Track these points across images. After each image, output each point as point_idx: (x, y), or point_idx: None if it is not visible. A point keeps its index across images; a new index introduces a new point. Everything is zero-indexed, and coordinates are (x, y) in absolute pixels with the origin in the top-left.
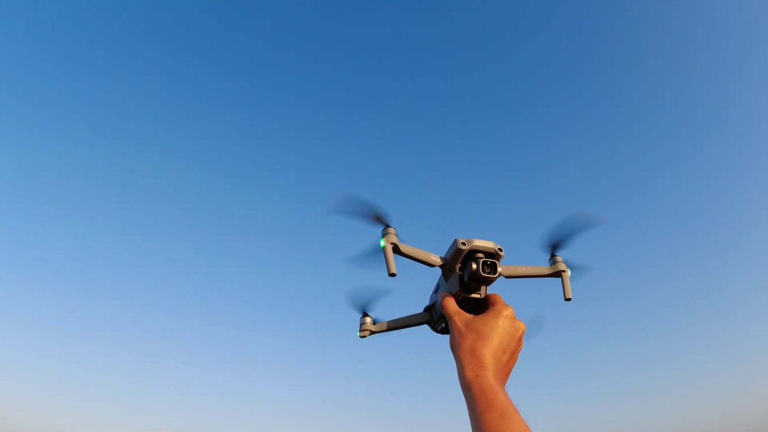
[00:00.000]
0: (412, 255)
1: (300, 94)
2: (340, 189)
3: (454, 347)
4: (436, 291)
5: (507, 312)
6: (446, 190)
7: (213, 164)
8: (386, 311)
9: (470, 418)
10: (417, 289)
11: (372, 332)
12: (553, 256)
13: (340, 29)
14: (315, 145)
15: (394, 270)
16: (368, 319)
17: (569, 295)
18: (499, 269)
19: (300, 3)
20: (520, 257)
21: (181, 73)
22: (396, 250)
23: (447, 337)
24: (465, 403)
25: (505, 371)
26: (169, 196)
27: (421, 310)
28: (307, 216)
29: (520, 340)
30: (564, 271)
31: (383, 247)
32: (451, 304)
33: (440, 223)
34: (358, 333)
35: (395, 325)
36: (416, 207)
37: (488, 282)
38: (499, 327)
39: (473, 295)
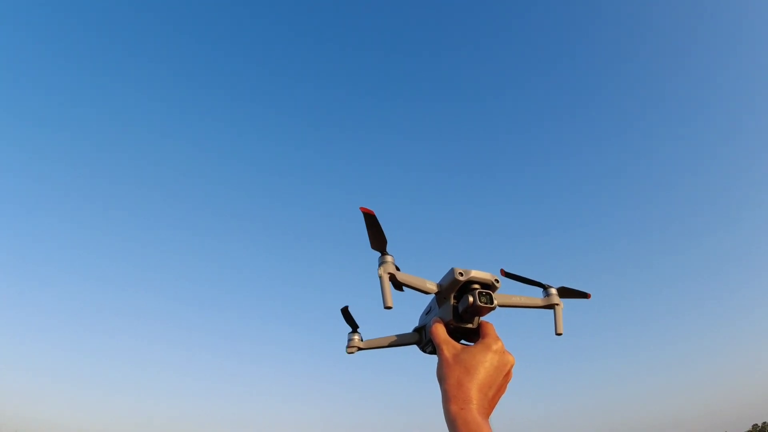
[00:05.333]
0: (409, 283)
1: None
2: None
3: (441, 378)
4: (427, 313)
5: (496, 346)
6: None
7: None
8: (375, 325)
9: None
10: (409, 306)
11: (360, 349)
12: (547, 287)
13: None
14: (324, 158)
15: (390, 303)
16: (356, 336)
17: (560, 330)
18: (495, 301)
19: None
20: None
21: (192, 78)
22: (393, 279)
23: (435, 357)
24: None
25: (490, 405)
26: (182, 203)
27: (410, 329)
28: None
29: (508, 373)
30: (557, 304)
31: (380, 277)
32: (440, 332)
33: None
34: (346, 349)
35: (384, 344)
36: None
37: (484, 313)
38: (486, 362)
39: (466, 325)
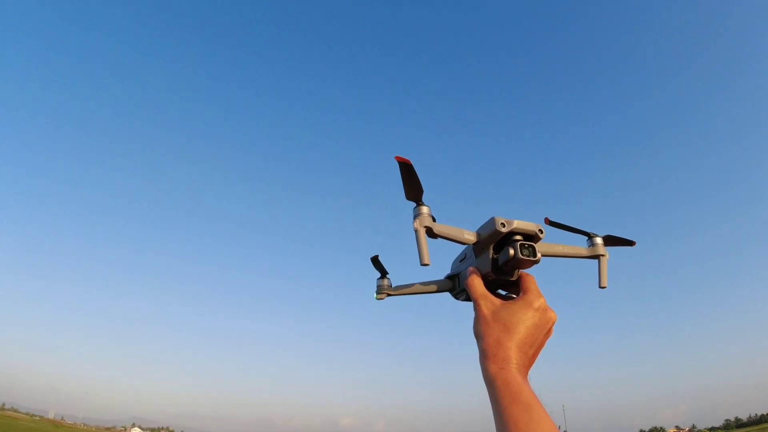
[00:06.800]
0: (446, 235)
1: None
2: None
3: (478, 336)
4: (461, 260)
5: (538, 303)
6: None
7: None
8: (403, 272)
9: (494, 412)
10: (440, 252)
11: (389, 295)
12: (592, 236)
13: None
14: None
15: (427, 260)
16: (385, 282)
17: (604, 283)
18: (539, 254)
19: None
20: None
21: (188, 81)
22: (429, 232)
23: (469, 304)
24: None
25: (529, 363)
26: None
27: (441, 276)
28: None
29: (549, 331)
30: (603, 255)
31: (416, 231)
32: (478, 286)
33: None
34: (375, 295)
35: (414, 290)
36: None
37: (525, 266)
38: (527, 320)
39: (505, 278)
